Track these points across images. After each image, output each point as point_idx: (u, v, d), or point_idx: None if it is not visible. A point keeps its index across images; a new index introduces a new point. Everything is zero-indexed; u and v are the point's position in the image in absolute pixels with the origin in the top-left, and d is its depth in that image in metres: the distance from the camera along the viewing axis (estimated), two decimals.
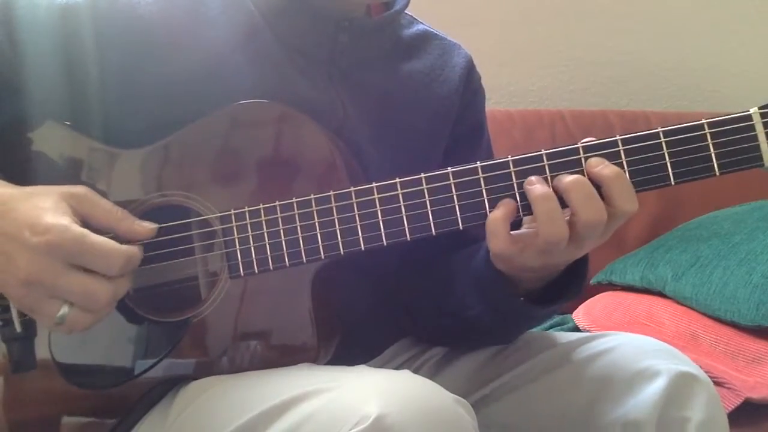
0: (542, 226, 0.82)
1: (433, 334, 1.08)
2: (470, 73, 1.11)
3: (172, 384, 0.91)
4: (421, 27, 1.11)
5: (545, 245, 0.83)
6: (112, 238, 0.82)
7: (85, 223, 0.81)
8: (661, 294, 1.70)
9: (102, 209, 0.84)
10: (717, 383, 1.34)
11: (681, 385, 0.88)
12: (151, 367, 0.90)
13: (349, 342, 0.95)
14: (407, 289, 1.05)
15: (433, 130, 1.06)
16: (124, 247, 0.81)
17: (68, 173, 0.91)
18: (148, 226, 0.86)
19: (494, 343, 1.04)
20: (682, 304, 1.65)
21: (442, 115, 1.07)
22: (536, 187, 0.83)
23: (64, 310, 0.78)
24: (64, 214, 0.79)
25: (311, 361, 0.88)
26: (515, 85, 2.14)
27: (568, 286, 0.92)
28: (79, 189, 0.84)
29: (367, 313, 1.04)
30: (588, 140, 0.84)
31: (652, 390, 0.88)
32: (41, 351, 0.89)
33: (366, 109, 1.00)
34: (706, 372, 0.93)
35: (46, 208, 0.79)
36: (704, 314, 1.61)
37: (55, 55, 0.90)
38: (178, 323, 0.89)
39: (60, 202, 0.80)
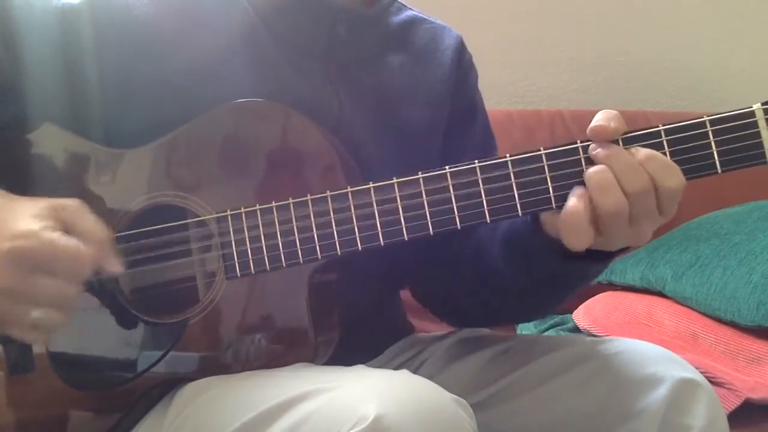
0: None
1: (472, 315, 1.08)
2: (461, 53, 1.11)
3: (171, 385, 0.90)
4: (409, 13, 1.10)
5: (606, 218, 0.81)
6: None
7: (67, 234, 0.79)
8: (661, 294, 1.70)
9: (86, 225, 0.80)
10: (717, 383, 1.34)
11: (683, 392, 0.88)
12: (149, 368, 0.89)
13: (348, 342, 0.95)
14: (431, 278, 1.05)
15: (431, 118, 1.06)
16: (93, 251, 0.78)
17: (65, 174, 0.91)
18: (114, 267, 0.81)
19: (534, 313, 1.04)
20: (682, 304, 1.65)
21: (437, 101, 1.07)
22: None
23: (37, 312, 0.76)
24: (39, 220, 0.77)
25: (309, 361, 0.88)
26: (515, 85, 2.14)
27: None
28: (71, 201, 0.81)
29: (366, 313, 1.03)
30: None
31: (654, 397, 0.88)
32: (39, 353, 0.89)
33: (364, 102, 1.00)
34: (705, 372, 0.93)
35: (24, 215, 0.78)
36: (704, 314, 1.61)
37: (51, 56, 0.90)
38: (175, 324, 0.89)
39: (42, 210, 0.78)
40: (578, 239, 0.82)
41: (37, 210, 0.78)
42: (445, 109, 1.08)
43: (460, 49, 1.11)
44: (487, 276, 0.99)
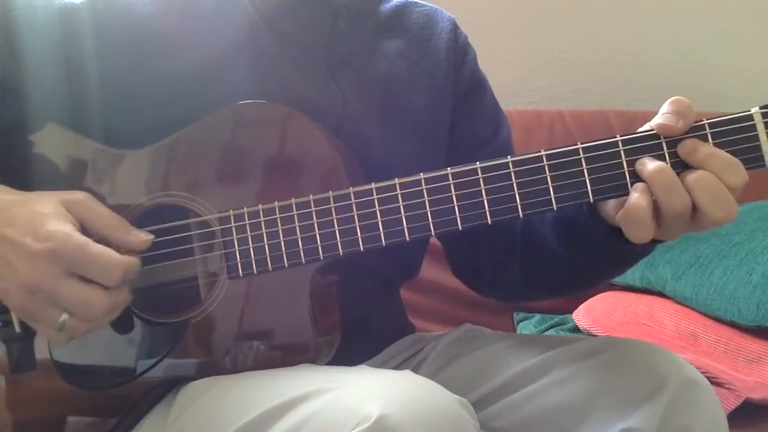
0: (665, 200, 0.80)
1: (521, 290, 1.09)
2: (456, 35, 1.11)
3: (173, 384, 0.91)
4: None
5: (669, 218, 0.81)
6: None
7: (82, 229, 0.82)
8: (661, 294, 1.70)
9: (99, 216, 0.84)
10: (717, 383, 1.34)
11: (685, 392, 0.88)
12: (151, 367, 0.89)
13: (349, 341, 0.95)
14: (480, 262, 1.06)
15: (434, 104, 1.06)
16: (123, 257, 0.81)
17: (69, 174, 0.92)
18: (143, 237, 0.85)
19: (587, 287, 1.05)
20: (682, 304, 1.65)
21: (437, 86, 1.07)
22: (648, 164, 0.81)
23: (65, 316, 0.79)
24: (65, 221, 0.80)
25: (311, 361, 0.88)
26: (515, 85, 2.14)
27: None
28: (78, 195, 0.84)
29: (367, 313, 1.04)
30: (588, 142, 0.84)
31: (655, 396, 0.87)
32: (41, 352, 0.89)
33: (367, 94, 1.01)
34: (705, 372, 0.93)
35: (47, 214, 0.80)
36: (704, 314, 1.61)
37: (54, 56, 0.90)
38: (177, 324, 0.89)
39: (59, 208, 0.81)
40: (640, 234, 0.81)
41: (53, 207, 0.80)
42: (446, 93, 1.08)
43: (455, 31, 1.11)
44: (539, 254, 0.99)
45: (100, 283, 0.80)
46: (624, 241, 0.85)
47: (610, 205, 0.85)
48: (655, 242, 0.87)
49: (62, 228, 0.79)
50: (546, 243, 0.97)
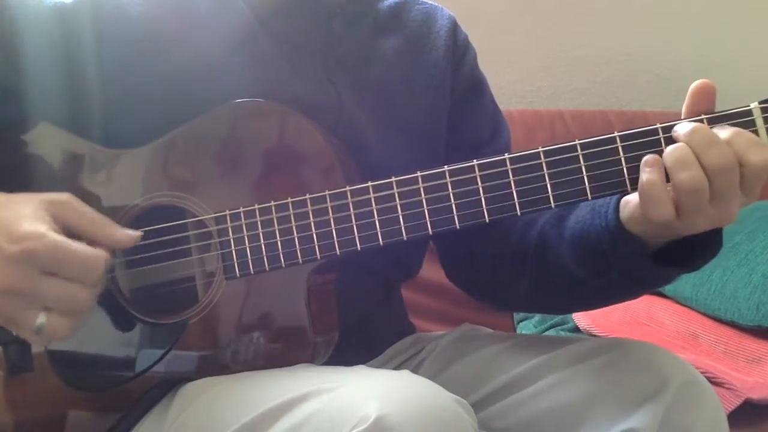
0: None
1: (536, 304, 1.08)
2: (455, 34, 1.10)
3: (171, 385, 0.90)
4: None
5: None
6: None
7: (66, 230, 0.80)
8: (661, 294, 1.70)
9: (84, 216, 0.82)
10: (717, 383, 1.34)
11: (686, 393, 0.88)
12: (149, 368, 0.89)
13: (349, 342, 0.94)
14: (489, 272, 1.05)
15: (431, 104, 1.06)
16: (100, 251, 0.79)
17: (61, 175, 0.91)
18: (131, 234, 0.84)
19: (599, 305, 1.03)
20: (682, 304, 1.65)
21: (435, 84, 1.06)
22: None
23: (42, 319, 0.76)
24: (42, 222, 0.77)
25: (308, 361, 0.88)
26: (515, 85, 2.14)
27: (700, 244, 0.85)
28: (62, 196, 0.82)
29: (366, 313, 1.03)
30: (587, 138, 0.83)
31: (657, 397, 0.87)
32: (38, 353, 0.89)
33: (363, 94, 1.00)
34: (705, 372, 0.93)
35: (25, 215, 0.78)
36: (704, 314, 1.61)
37: (46, 56, 0.90)
38: (175, 324, 0.89)
39: (39, 209, 0.79)
40: (657, 210, 0.78)
41: (33, 209, 0.78)
42: (444, 92, 1.07)
43: (454, 30, 1.10)
44: (552, 273, 0.97)
45: (79, 280, 0.78)
46: (651, 260, 0.84)
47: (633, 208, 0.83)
48: (677, 269, 0.85)
49: (36, 228, 0.76)
50: (561, 263, 0.94)
